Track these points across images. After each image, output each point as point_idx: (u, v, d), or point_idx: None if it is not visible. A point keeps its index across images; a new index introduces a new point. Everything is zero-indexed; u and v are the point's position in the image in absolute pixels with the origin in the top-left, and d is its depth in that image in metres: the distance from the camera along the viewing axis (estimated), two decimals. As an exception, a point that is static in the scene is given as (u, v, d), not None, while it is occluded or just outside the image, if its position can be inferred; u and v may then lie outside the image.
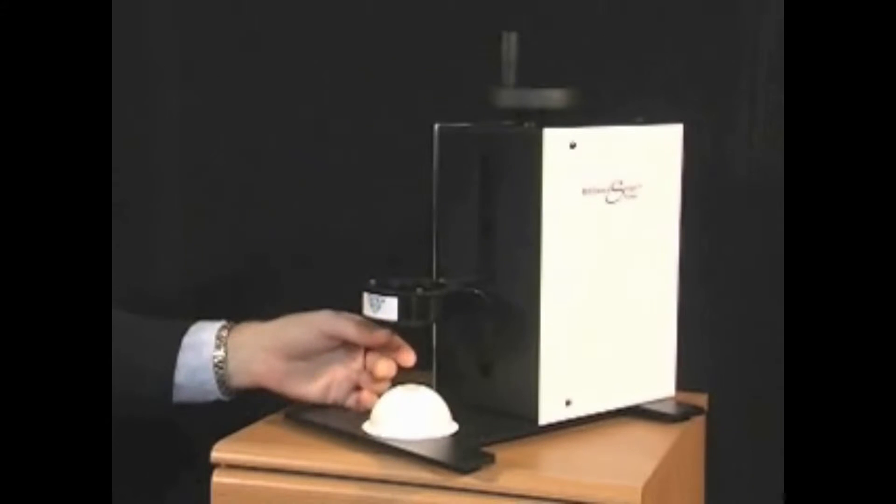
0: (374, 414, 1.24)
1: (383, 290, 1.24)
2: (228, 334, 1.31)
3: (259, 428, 1.29)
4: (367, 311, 1.25)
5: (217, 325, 1.31)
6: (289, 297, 1.54)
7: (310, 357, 1.30)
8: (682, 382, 1.37)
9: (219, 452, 1.23)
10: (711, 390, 1.42)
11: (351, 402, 1.31)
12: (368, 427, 1.24)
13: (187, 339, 1.30)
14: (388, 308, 1.23)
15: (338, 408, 1.31)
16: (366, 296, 1.25)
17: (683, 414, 1.33)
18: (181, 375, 1.29)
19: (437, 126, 1.31)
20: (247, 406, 1.33)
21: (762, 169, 1.45)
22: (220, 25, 1.61)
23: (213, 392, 1.30)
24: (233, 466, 1.22)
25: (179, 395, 1.30)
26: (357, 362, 1.32)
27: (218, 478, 1.22)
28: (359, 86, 1.56)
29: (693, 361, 1.40)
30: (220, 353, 1.29)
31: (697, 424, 1.36)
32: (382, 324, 1.27)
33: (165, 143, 1.63)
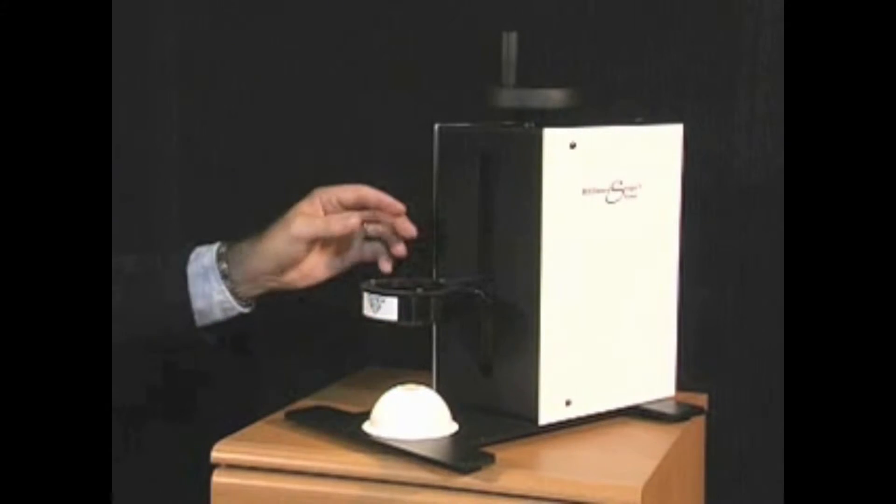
0: (374, 414, 1.24)
1: (383, 290, 1.24)
2: (228, 252, 1.35)
3: (259, 428, 1.29)
4: (367, 311, 1.25)
5: (213, 247, 1.36)
6: (289, 297, 1.54)
7: (308, 254, 1.33)
8: (682, 382, 1.37)
9: (219, 452, 1.23)
10: (711, 390, 1.42)
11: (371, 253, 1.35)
12: (368, 427, 1.24)
13: (191, 269, 1.34)
14: (388, 308, 1.23)
15: (337, 408, 1.31)
16: (366, 296, 1.25)
17: (683, 414, 1.33)
18: (199, 302, 1.34)
19: (437, 126, 1.31)
20: (247, 406, 1.33)
21: (762, 169, 1.45)
22: (219, 25, 1.61)
23: (232, 308, 1.35)
24: (233, 466, 1.22)
25: (204, 319, 1.35)
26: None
27: (218, 478, 1.22)
28: (359, 86, 1.56)
29: (693, 361, 1.40)
30: (224, 265, 1.34)
31: (697, 424, 1.36)
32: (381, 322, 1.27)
33: (165, 143, 1.63)
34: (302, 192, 1.58)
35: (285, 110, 1.59)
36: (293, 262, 1.33)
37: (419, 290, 1.26)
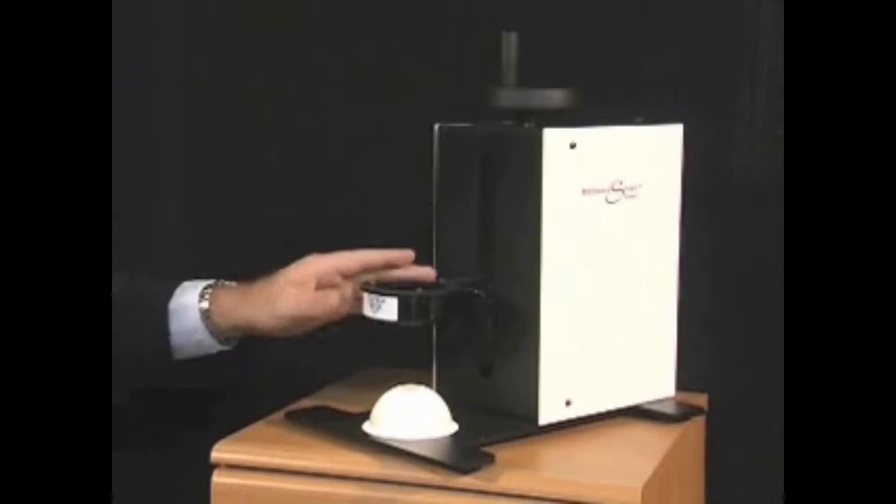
0: (374, 414, 1.24)
1: (383, 290, 1.24)
2: (211, 295, 1.34)
3: (259, 428, 1.29)
4: (367, 311, 1.25)
5: (199, 286, 1.35)
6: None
7: (291, 328, 1.33)
8: (682, 382, 1.37)
9: (219, 452, 1.23)
10: (711, 390, 1.42)
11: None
12: (368, 427, 1.24)
13: (173, 304, 1.33)
14: (388, 308, 1.23)
15: (337, 408, 1.31)
16: (366, 296, 1.25)
17: (683, 414, 1.33)
18: (176, 339, 1.33)
19: (437, 126, 1.31)
20: (247, 405, 1.33)
21: (762, 169, 1.45)
22: (219, 25, 1.61)
23: (212, 346, 1.35)
24: (233, 466, 1.22)
25: (181, 354, 1.34)
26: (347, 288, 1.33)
27: (218, 478, 1.22)
28: (359, 86, 1.56)
29: (693, 361, 1.40)
30: (205, 304, 1.33)
31: (697, 424, 1.36)
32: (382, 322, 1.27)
33: (165, 144, 1.63)
34: (302, 191, 1.59)
35: (285, 110, 1.59)
36: (275, 333, 1.33)
37: (419, 290, 1.26)
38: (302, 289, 1.31)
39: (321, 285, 1.31)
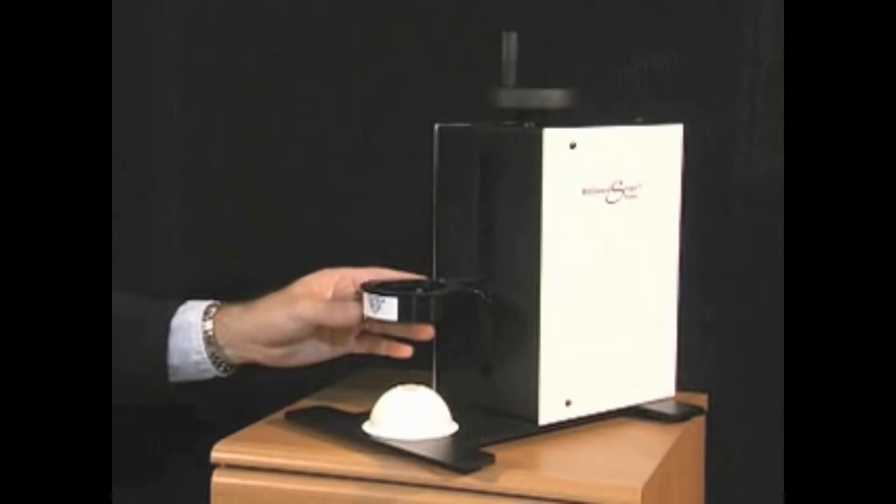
0: (374, 414, 1.24)
1: (383, 290, 1.24)
2: (217, 313, 1.31)
3: (259, 428, 1.29)
4: (367, 311, 1.25)
5: (204, 304, 1.32)
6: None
7: (301, 339, 1.30)
8: (682, 382, 1.37)
9: (219, 452, 1.23)
10: (711, 390, 1.42)
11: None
12: (368, 427, 1.24)
13: (175, 321, 1.31)
14: (388, 308, 1.23)
15: (337, 408, 1.31)
16: (366, 296, 1.25)
17: (683, 414, 1.33)
18: (174, 358, 1.30)
19: (437, 126, 1.31)
20: (247, 405, 1.33)
21: (762, 169, 1.45)
22: (219, 25, 1.61)
23: (209, 370, 1.32)
24: (233, 466, 1.22)
25: (177, 376, 1.31)
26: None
27: (218, 478, 1.22)
28: (359, 85, 1.56)
29: (693, 361, 1.40)
30: (209, 325, 1.30)
31: (697, 424, 1.36)
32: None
33: (165, 143, 1.63)
34: (302, 191, 1.59)
35: (284, 110, 1.59)
36: (287, 339, 1.30)
37: (419, 290, 1.26)
38: (319, 297, 1.30)
39: (337, 297, 1.30)
